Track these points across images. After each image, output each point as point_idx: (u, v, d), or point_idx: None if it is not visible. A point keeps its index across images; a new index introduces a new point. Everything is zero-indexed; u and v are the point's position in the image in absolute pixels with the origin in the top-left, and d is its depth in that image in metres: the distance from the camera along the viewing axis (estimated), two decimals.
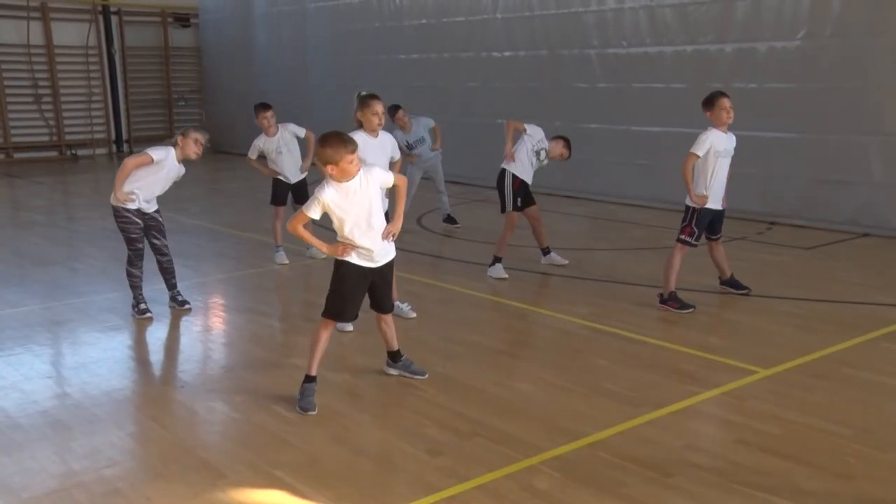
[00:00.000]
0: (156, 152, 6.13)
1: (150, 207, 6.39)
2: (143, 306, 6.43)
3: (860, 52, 9.00)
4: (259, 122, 8.04)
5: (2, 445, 4.20)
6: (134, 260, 6.40)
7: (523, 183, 7.44)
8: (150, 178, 6.20)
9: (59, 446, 4.19)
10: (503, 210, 7.52)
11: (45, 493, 3.70)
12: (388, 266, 4.67)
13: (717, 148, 6.27)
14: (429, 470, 3.85)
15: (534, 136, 7.49)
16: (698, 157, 6.25)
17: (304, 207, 4.42)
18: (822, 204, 9.51)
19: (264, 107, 8.10)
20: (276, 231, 8.26)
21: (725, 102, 6.27)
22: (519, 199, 7.45)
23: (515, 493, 3.62)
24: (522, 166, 7.43)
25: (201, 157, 6.37)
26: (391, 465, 3.93)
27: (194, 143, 6.21)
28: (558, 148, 7.65)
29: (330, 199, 4.34)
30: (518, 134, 7.52)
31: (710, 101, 6.30)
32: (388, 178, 4.63)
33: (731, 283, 6.80)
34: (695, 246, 6.42)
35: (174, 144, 6.23)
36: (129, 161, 6.13)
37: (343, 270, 4.53)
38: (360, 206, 4.40)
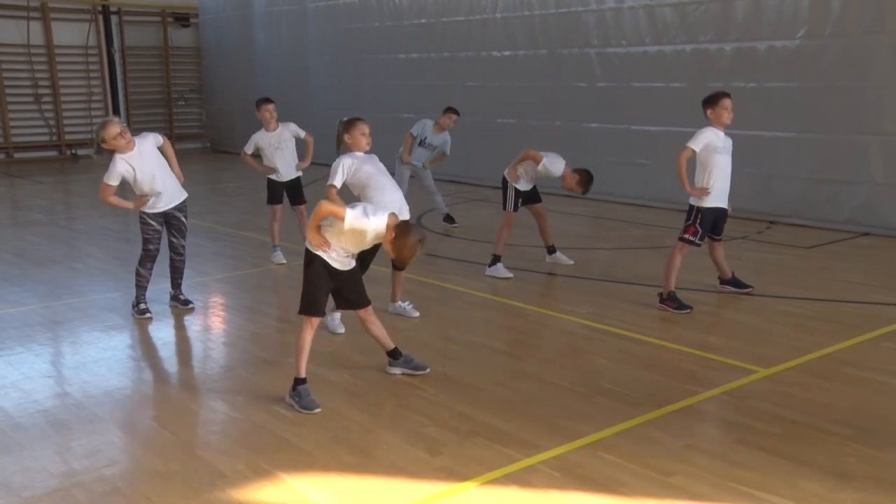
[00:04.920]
0: (110, 177, 6.07)
1: (172, 203, 6.37)
2: (142, 306, 6.44)
3: (860, 51, 8.99)
4: (261, 115, 8.05)
5: (2, 445, 4.21)
6: (145, 261, 6.43)
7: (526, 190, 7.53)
8: (139, 177, 6.15)
9: (59, 446, 4.19)
10: (504, 208, 7.54)
11: (45, 493, 3.71)
12: (354, 269, 4.82)
13: (715, 144, 6.28)
14: (428, 469, 3.85)
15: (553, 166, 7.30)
16: (694, 151, 6.26)
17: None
18: (821, 203, 9.51)
19: (266, 100, 8.15)
20: (273, 231, 8.27)
21: (728, 102, 6.30)
22: (520, 201, 7.48)
23: (515, 493, 3.63)
24: (524, 183, 7.46)
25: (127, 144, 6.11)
26: (391, 465, 3.93)
27: (114, 139, 6.03)
28: (572, 181, 7.28)
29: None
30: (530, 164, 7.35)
31: (712, 100, 6.32)
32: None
33: (733, 283, 6.79)
34: (698, 245, 6.41)
35: (107, 153, 6.10)
36: (103, 191, 6.10)
37: (314, 265, 4.66)
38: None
